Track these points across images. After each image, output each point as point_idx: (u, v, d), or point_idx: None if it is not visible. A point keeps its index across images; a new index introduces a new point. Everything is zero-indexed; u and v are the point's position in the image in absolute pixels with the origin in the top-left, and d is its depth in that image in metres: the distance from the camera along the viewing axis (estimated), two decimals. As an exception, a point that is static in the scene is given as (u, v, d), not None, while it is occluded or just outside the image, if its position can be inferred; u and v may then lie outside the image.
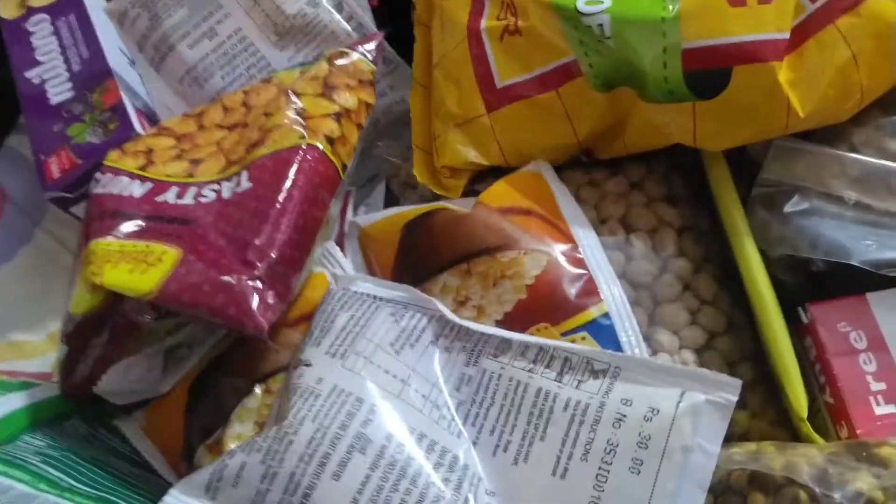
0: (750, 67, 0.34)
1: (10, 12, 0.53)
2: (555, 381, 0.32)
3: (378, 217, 0.41)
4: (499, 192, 0.38)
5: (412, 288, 0.36)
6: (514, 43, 0.38)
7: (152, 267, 0.33)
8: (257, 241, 0.33)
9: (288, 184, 0.35)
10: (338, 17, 0.46)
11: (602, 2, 0.36)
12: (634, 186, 0.41)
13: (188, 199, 0.36)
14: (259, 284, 0.32)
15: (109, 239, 0.35)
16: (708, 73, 0.34)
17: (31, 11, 0.54)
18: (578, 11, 0.36)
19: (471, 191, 0.43)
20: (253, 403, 0.35)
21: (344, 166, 0.38)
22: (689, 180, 0.42)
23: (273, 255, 0.33)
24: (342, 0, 0.46)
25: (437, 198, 0.42)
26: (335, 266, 0.39)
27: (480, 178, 0.43)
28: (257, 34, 0.46)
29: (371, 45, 0.43)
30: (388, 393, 0.32)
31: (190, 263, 0.33)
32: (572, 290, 0.35)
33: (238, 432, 0.35)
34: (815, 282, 0.38)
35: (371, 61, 0.42)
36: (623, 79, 0.37)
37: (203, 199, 0.36)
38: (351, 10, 0.46)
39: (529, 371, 0.33)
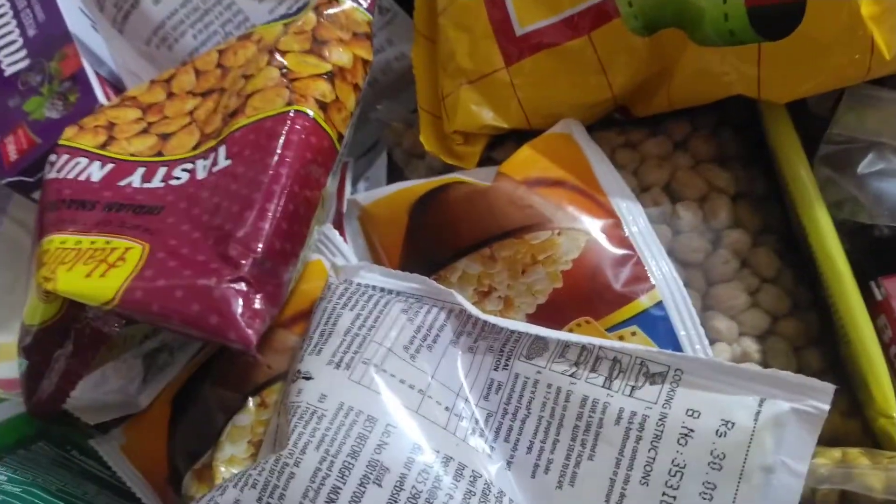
0: (827, 0, 0.28)
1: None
2: (603, 387, 0.27)
3: (381, 194, 0.35)
4: (524, 161, 0.33)
5: (427, 278, 0.31)
6: (537, -20, 0.32)
7: (114, 268, 0.27)
8: (239, 233, 0.28)
9: (274, 160, 0.29)
10: None
11: None
12: (678, 147, 0.36)
13: (156, 182, 0.31)
14: (243, 286, 0.27)
15: (65, 235, 0.30)
16: (777, 7, 0.29)
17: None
18: None
19: (487, 159, 0.38)
20: (245, 420, 0.30)
21: (340, 136, 0.32)
22: (741, 137, 0.36)
23: (259, 249, 0.28)
24: None
25: (448, 169, 0.36)
26: (334, 253, 0.34)
27: (499, 143, 0.38)
28: None
29: None
30: (404, 408, 0.27)
31: (158, 262, 0.27)
32: (617, 276, 0.30)
33: (229, 455, 0.30)
34: (874, 250, 0.33)
35: (366, 10, 0.35)
36: (670, 18, 0.31)
37: (174, 182, 0.31)
38: None
39: (571, 376, 0.27)
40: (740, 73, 0.31)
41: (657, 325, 0.29)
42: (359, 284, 0.31)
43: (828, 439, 0.30)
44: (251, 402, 0.30)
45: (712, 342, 0.32)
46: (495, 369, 0.28)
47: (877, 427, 0.29)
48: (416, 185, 0.34)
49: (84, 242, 0.29)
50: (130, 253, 0.28)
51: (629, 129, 0.36)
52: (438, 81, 0.37)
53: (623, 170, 0.35)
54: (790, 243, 0.34)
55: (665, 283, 0.30)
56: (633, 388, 0.27)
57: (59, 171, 0.32)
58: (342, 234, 0.35)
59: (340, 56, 0.33)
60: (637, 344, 0.28)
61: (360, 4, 0.35)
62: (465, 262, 0.31)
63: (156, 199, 0.30)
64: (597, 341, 0.28)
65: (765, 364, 0.32)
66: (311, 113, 0.31)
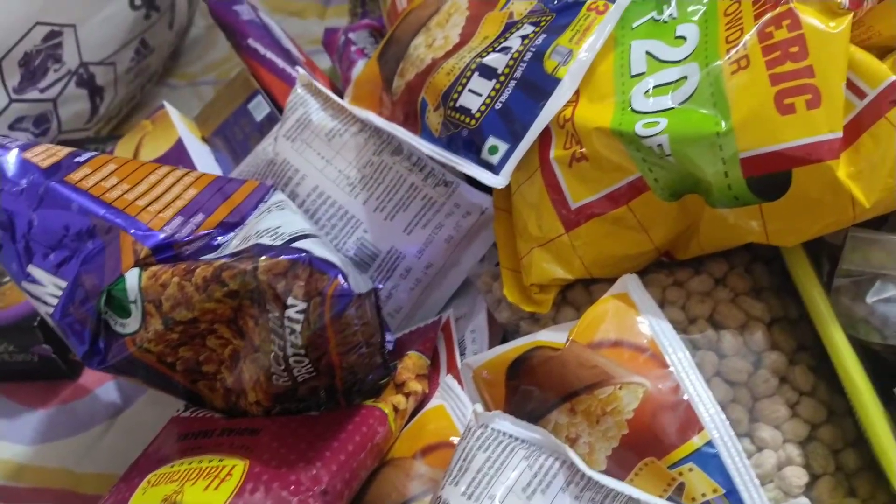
0: (808, 169, 0.35)
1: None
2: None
3: (485, 358, 0.43)
4: (587, 326, 0.39)
5: (546, 431, 0.37)
6: (582, 168, 0.41)
7: (224, 482, 0.37)
8: (313, 470, 0.37)
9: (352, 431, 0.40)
10: (397, 157, 0.50)
11: (658, 123, 0.38)
12: (718, 282, 0.43)
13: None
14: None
15: (191, 458, 0.40)
16: (769, 177, 0.36)
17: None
18: (638, 135, 0.38)
19: (562, 299, 0.46)
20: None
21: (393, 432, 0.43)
22: (771, 270, 0.43)
23: (325, 483, 0.37)
24: (400, 144, 0.50)
25: (531, 315, 0.45)
26: (454, 399, 0.42)
27: (570, 287, 0.46)
28: (332, 188, 0.51)
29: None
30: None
31: (254, 476, 0.37)
32: (672, 421, 0.36)
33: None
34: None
35: (424, 356, 0.46)
36: (689, 188, 0.39)
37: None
38: (409, 149, 0.50)
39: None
40: (749, 227, 0.38)
41: (710, 462, 0.35)
42: (493, 429, 0.38)
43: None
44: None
45: (760, 450, 0.38)
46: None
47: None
48: (509, 351, 0.42)
49: (204, 462, 0.39)
50: (236, 469, 0.37)
51: (676, 269, 0.44)
52: (516, 244, 0.47)
53: (673, 305, 0.42)
54: (824, 357, 0.40)
55: (713, 423, 0.36)
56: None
57: (192, 413, 0.43)
58: (460, 383, 0.44)
59: (415, 387, 0.44)
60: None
61: (420, 352, 0.46)
62: (555, 415, 0.38)
63: (256, 423, 0.40)
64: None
65: (807, 467, 0.38)
66: (388, 413, 0.41)
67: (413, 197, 0.51)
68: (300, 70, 0.56)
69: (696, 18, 0.41)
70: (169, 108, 0.66)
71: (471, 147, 0.44)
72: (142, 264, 0.39)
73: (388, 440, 0.41)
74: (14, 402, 0.60)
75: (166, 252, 0.40)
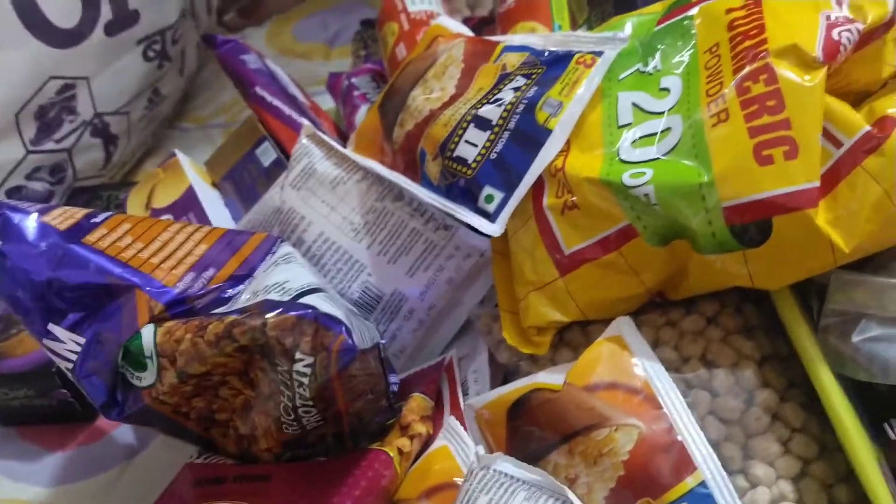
0: (788, 217, 0.36)
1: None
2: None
3: (486, 399, 0.45)
4: (583, 369, 0.40)
5: (546, 472, 0.38)
6: (574, 215, 0.43)
7: None
8: None
9: (358, 476, 0.41)
10: (399, 203, 0.52)
11: (644, 174, 0.40)
12: (710, 322, 0.44)
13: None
14: None
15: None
16: (751, 225, 0.37)
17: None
18: (625, 185, 0.40)
19: (560, 340, 0.47)
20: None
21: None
22: (761, 309, 0.44)
23: None
24: (401, 190, 0.52)
25: (530, 356, 0.46)
26: (457, 440, 0.44)
27: (567, 328, 0.47)
28: (337, 233, 0.53)
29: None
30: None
31: None
32: (666, 463, 0.36)
33: None
34: (883, 397, 0.39)
35: (428, 397, 0.47)
36: (676, 234, 0.41)
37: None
38: (410, 195, 0.52)
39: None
40: (735, 272, 0.39)
41: (703, 501, 0.36)
42: (494, 471, 0.39)
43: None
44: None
45: (754, 486, 0.39)
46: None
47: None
48: (509, 392, 0.43)
49: None
50: None
51: (669, 309, 0.45)
52: (514, 287, 0.48)
53: (666, 345, 0.44)
54: (814, 394, 0.41)
55: (706, 464, 0.37)
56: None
57: (205, 459, 0.45)
58: (463, 423, 0.45)
59: (420, 429, 0.45)
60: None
61: (424, 394, 0.47)
62: (554, 456, 0.40)
63: (267, 469, 0.41)
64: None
65: (800, 502, 0.39)
66: (392, 455, 0.42)
67: (415, 241, 0.53)
68: (304, 121, 0.59)
69: (678, 71, 0.42)
70: (180, 155, 0.68)
71: (468, 196, 0.46)
72: (157, 320, 0.41)
73: (394, 483, 0.42)
74: (33, 444, 0.62)
75: (180, 307, 0.42)
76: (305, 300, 0.40)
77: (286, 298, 0.40)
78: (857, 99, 0.41)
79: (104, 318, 0.41)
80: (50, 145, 0.71)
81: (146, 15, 0.72)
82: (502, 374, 0.51)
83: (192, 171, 0.67)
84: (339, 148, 0.55)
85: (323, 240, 0.53)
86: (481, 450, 0.40)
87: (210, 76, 0.90)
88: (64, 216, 0.44)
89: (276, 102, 0.66)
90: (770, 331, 0.44)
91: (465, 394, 0.50)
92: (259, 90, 0.66)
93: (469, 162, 0.46)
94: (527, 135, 0.45)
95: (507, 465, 0.39)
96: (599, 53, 0.45)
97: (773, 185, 0.37)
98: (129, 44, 0.72)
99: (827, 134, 0.37)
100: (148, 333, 0.40)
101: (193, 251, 0.44)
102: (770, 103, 0.37)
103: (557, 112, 0.44)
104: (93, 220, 0.44)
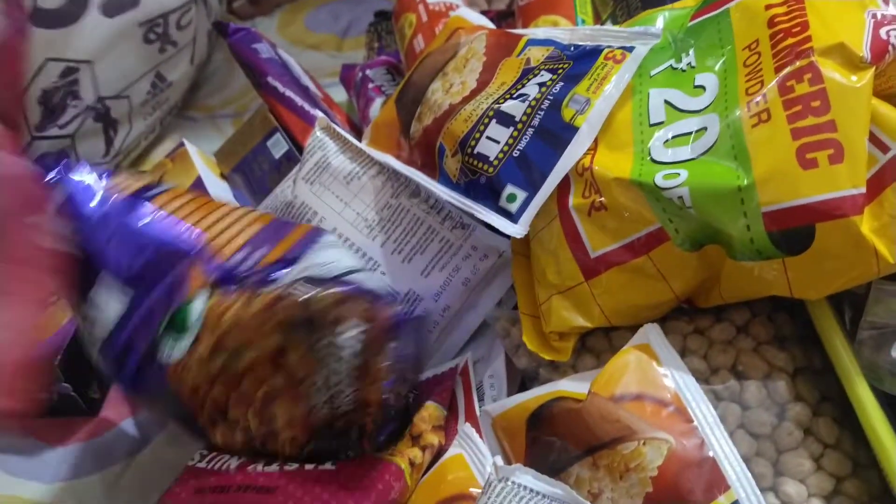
0: (831, 224, 0.35)
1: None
2: None
3: (505, 406, 0.43)
4: (609, 379, 0.39)
5: (568, 487, 0.36)
6: (602, 217, 0.41)
7: None
8: None
9: (368, 488, 0.40)
10: (415, 200, 0.51)
11: (679, 175, 0.38)
12: (741, 331, 0.42)
13: (274, 467, 0.41)
14: None
15: None
16: (792, 231, 0.36)
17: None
18: (658, 186, 0.38)
19: (582, 346, 0.45)
20: None
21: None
22: (794, 318, 0.43)
23: None
24: (417, 186, 0.50)
25: (550, 362, 0.45)
26: (472, 449, 0.42)
27: (590, 333, 0.45)
28: (350, 230, 0.51)
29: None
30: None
31: None
32: (698, 480, 0.35)
33: None
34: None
35: (441, 406, 0.46)
36: (709, 238, 0.39)
37: (287, 468, 0.41)
38: (427, 192, 0.50)
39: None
40: (772, 280, 0.38)
41: None
42: (513, 483, 0.37)
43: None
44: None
45: (784, 504, 0.38)
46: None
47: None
48: (529, 400, 0.42)
49: None
50: None
51: (696, 316, 0.43)
52: (535, 290, 0.46)
53: (694, 354, 0.42)
54: (848, 408, 0.39)
55: (739, 482, 0.35)
56: None
57: (207, 463, 0.43)
58: (478, 431, 0.43)
59: (431, 440, 0.44)
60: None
61: (436, 402, 0.46)
62: (576, 468, 0.38)
63: (272, 481, 0.40)
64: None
65: (834, 523, 0.37)
66: (404, 468, 0.41)
67: (430, 240, 0.51)
68: (319, 113, 0.57)
69: (715, 68, 0.40)
70: (188, 145, 0.66)
71: (489, 194, 0.44)
72: (207, 292, 0.41)
73: (405, 495, 0.41)
74: (34, 438, 0.61)
75: (230, 283, 0.41)
76: (351, 278, 0.40)
77: (332, 275, 0.40)
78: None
79: (154, 286, 0.41)
80: (54, 131, 0.70)
81: (146, -5, 0.70)
82: (519, 378, 0.49)
83: (201, 162, 0.65)
84: (355, 142, 0.53)
85: (336, 236, 0.51)
86: (499, 460, 0.39)
87: (219, 65, 0.88)
88: (126, 182, 0.44)
89: (289, 93, 0.64)
90: (803, 341, 0.42)
91: (481, 399, 0.48)
92: (271, 80, 0.64)
93: (491, 159, 0.44)
94: (552, 132, 0.43)
95: (527, 478, 0.37)
96: (630, 49, 0.44)
97: (816, 190, 0.35)
98: (130, 26, 0.71)
99: (873, 138, 0.36)
100: (199, 303, 0.40)
101: (246, 230, 0.44)
102: (815, 104, 0.35)
103: (585, 109, 0.43)
104: (153, 191, 0.44)
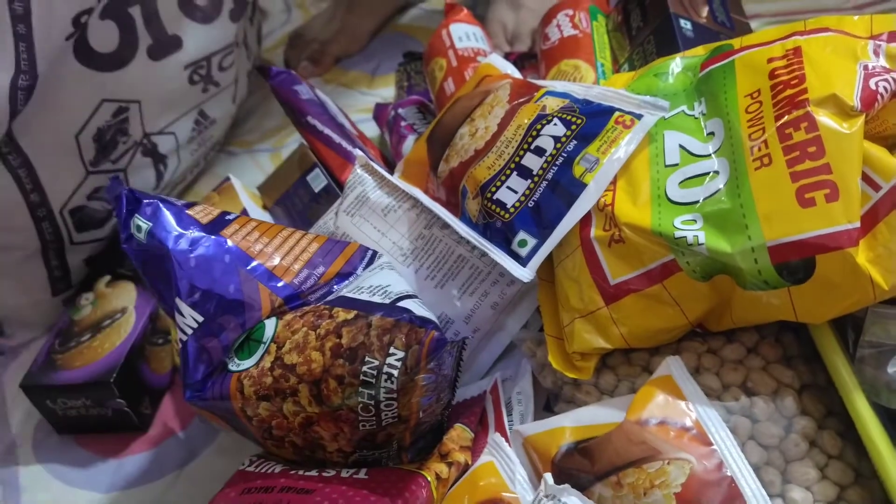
0: (830, 255, 0.39)
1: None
2: None
3: (537, 429, 0.47)
4: (636, 406, 0.42)
5: None
6: (620, 248, 0.45)
7: None
8: None
9: (395, 496, 0.43)
10: (446, 231, 0.55)
11: (695, 222, 0.42)
12: (750, 351, 0.46)
13: (314, 472, 0.45)
14: None
15: None
16: (795, 263, 0.40)
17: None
18: (676, 237, 0.42)
19: (603, 365, 0.49)
20: None
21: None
22: (799, 339, 0.46)
23: None
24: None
25: (573, 380, 0.49)
26: (502, 457, 0.46)
27: (610, 354, 0.49)
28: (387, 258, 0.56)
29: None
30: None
31: None
32: (717, 497, 0.38)
33: None
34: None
35: (469, 428, 0.49)
36: (719, 270, 0.43)
37: (325, 474, 0.45)
38: (450, 221, 0.54)
39: None
40: (779, 307, 0.41)
41: None
42: (561, 502, 0.39)
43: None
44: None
45: (791, 510, 0.41)
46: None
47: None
48: (564, 429, 0.45)
49: None
50: None
51: (710, 337, 0.47)
52: (559, 314, 0.51)
53: (708, 372, 0.46)
54: (851, 422, 0.43)
55: (755, 499, 0.39)
56: None
57: (256, 467, 0.47)
58: (507, 440, 0.47)
59: (459, 457, 0.47)
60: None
61: (465, 425, 0.49)
62: (599, 487, 0.42)
63: (310, 484, 0.44)
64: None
65: (837, 527, 0.40)
66: (431, 480, 0.45)
67: (461, 267, 0.55)
68: (358, 152, 0.61)
69: (720, 115, 0.45)
70: (234, 180, 0.71)
71: (503, 238, 0.49)
72: (277, 313, 0.46)
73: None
74: (89, 452, 0.65)
75: (295, 301, 0.47)
76: (403, 304, 0.44)
77: (387, 301, 0.45)
78: (893, 143, 0.43)
79: (229, 305, 0.46)
80: (107, 165, 0.75)
81: (189, 40, 0.75)
82: (545, 394, 0.53)
83: (245, 196, 0.70)
84: (391, 178, 0.58)
85: (388, 257, 0.56)
86: (549, 478, 0.42)
87: (256, 102, 0.94)
88: (205, 212, 0.49)
89: (327, 131, 0.69)
90: (809, 360, 0.46)
91: (510, 414, 0.52)
92: (311, 119, 0.69)
93: (508, 206, 0.49)
94: (563, 187, 0.48)
95: (574, 500, 0.40)
96: (639, 116, 0.48)
97: (815, 225, 0.39)
98: (175, 68, 0.76)
99: (866, 177, 0.40)
100: (271, 324, 0.45)
101: (307, 249, 0.49)
102: (811, 149, 0.39)
103: (594, 168, 0.47)
104: (227, 217, 0.50)
